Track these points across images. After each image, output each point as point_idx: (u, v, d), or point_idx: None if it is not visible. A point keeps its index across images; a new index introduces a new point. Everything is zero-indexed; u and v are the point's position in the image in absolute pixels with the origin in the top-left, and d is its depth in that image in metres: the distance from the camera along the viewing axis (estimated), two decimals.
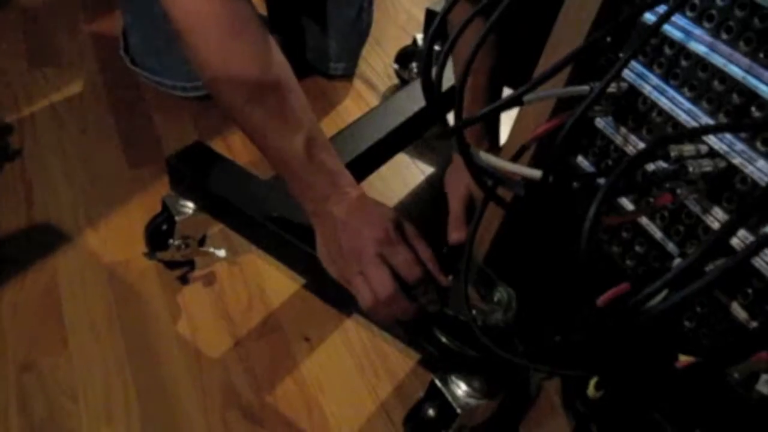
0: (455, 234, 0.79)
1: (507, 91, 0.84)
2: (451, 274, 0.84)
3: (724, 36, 0.45)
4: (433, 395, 0.70)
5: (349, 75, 1.40)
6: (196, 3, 0.62)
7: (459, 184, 0.81)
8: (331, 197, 0.68)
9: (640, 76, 0.51)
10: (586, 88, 0.49)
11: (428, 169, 1.18)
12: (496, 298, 0.69)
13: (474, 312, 0.65)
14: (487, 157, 0.47)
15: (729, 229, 0.31)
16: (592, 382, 0.40)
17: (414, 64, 1.34)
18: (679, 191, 0.46)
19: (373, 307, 0.67)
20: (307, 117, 0.69)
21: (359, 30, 1.37)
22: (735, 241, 0.45)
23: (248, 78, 0.64)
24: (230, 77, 0.64)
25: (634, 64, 0.51)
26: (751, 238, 0.41)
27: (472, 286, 0.69)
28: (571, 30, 0.54)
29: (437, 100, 0.50)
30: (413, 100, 1.04)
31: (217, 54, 0.64)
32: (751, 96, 0.44)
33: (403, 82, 1.37)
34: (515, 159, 0.55)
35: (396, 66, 1.37)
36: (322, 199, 0.68)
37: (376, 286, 0.65)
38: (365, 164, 0.99)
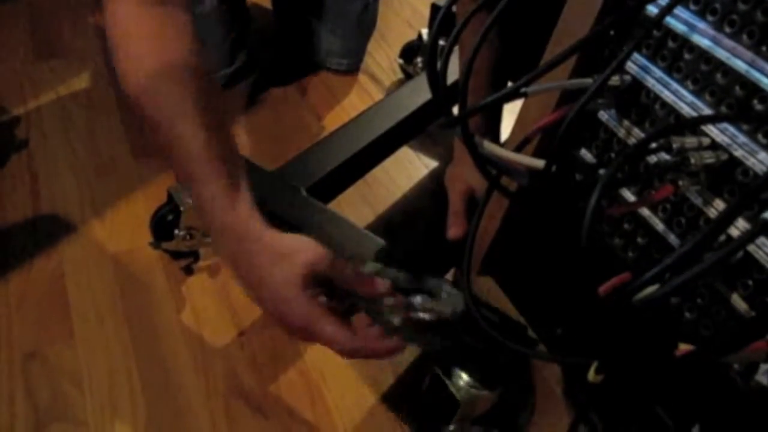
0: (454, 229, 0.79)
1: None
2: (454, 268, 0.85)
3: (728, 29, 0.45)
4: (435, 386, 0.70)
5: (354, 70, 1.40)
6: (128, 14, 0.60)
7: (460, 180, 0.82)
8: (227, 229, 0.59)
9: (643, 68, 0.51)
10: (589, 80, 0.49)
11: (432, 163, 1.19)
12: (443, 295, 0.67)
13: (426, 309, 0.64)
14: (490, 147, 0.48)
15: (727, 217, 0.32)
16: (593, 366, 0.41)
17: (419, 59, 1.35)
18: (680, 183, 0.46)
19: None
20: (216, 119, 0.61)
21: (364, 25, 1.37)
22: (736, 233, 0.45)
23: (157, 77, 0.59)
24: (141, 83, 0.59)
25: (637, 56, 0.51)
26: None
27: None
28: (575, 22, 0.54)
29: (442, 92, 0.50)
30: (417, 94, 1.05)
31: (133, 61, 0.59)
32: (753, 89, 0.44)
33: (408, 77, 1.37)
34: (519, 150, 0.56)
35: (401, 61, 1.37)
36: (220, 227, 0.60)
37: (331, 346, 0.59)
38: (369, 158, 0.99)
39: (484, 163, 0.50)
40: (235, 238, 0.59)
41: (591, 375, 0.41)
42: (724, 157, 0.45)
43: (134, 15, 0.59)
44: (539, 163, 0.46)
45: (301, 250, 0.59)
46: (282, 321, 0.58)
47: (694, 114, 0.48)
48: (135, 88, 0.59)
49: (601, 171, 0.45)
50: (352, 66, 1.39)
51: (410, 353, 0.88)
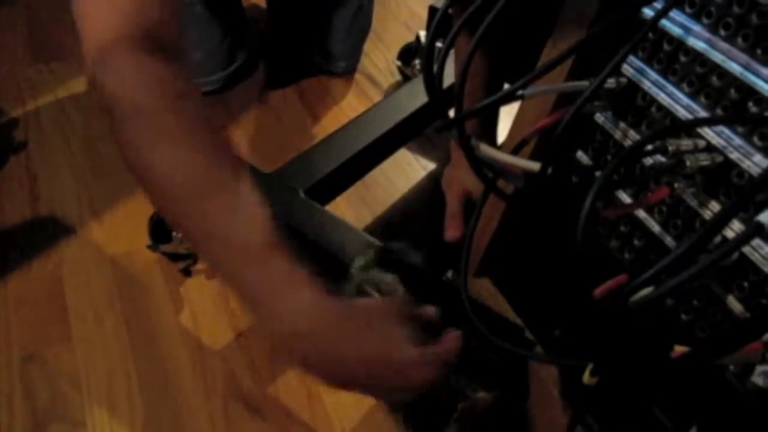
0: (451, 231, 0.79)
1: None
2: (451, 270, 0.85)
3: (723, 32, 0.45)
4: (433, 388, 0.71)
5: (350, 72, 1.40)
6: (128, 83, 0.50)
7: (457, 182, 0.82)
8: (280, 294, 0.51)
9: (639, 71, 0.51)
10: (585, 83, 0.50)
11: (430, 165, 1.19)
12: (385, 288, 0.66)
13: None
14: (486, 149, 0.48)
15: (721, 219, 0.32)
16: (588, 368, 0.41)
17: (416, 61, 1.35)
18: (676, 185, 0.46)
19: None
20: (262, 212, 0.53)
21: (359, 27, 1.37)
22: (732, 235, 0.45)
23: (192, 175, 0.50)
24: (168, 175, 0.50)
25: (633, 59, 0.51)
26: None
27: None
28: (572, 25, 0.55)
29: (439, 95, 0.51)
30: (415, 96, 1.05)
31: (148, 142, 0.50)
32: (748, 91, 0.44)
33: (406, 79, 1.37)
34: (515, 152, 0.56)
35: (398, 63, 1.37)
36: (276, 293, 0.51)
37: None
38: (368, 160, 0.99)
39: (480, 165, 0.51)
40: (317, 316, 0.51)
41: (586, 377, 0.41)
42: (720, 159, 0.46)
43: (131, 67, 0.51)
44: (535, 166, 0.46)
45: (378, 310, 0.55)
46: (390, 362, 0.52)
47: (690, 116, 0.48)
48: (146, 156, 0.50)
49: (598, 173, 0.45)
50: (349, 68, 1.39)
51: None
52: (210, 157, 0.51)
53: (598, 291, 0.38)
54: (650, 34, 0.50)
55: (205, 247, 0.52)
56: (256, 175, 0.87)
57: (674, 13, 0.48)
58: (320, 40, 1.34)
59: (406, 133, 1.05)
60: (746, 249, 0.45)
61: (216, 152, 0.52)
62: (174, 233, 0.91)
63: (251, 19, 1.38)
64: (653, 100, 0.51)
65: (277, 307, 0.50)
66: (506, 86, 0.47)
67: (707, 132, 0.46)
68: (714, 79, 0.46)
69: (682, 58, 0.48)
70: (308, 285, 0.51)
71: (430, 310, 0.58)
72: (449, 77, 0.94)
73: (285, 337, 0.51)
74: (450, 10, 0.78)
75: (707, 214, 0.48)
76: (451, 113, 0.51)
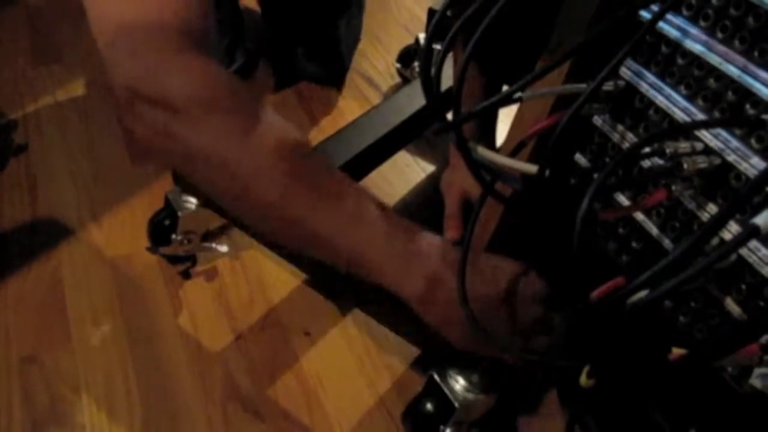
0: (450, 233, 0.79)
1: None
2: None
3: (720, 35, 0.46)
4: (432, 390, 0.71)
5: (335, 83, 1.37)
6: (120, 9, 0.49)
7: (455, 185, 0.82)
8: (376, 238, 0.52)
9: (636, 74, 0.51)
10: (583, 85, 0.50)
11: (429, 167, 1.19)
12: None
13: None
14: (484, 152, 0.48)
15: (718, 221, 0.32)
16: (584, 370, 0.41)
17: (416, 63, 1.35)
18: (674, 187, 0.46)
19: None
20: (293, 131, 0.53)
21: (349, 37, 1.35)
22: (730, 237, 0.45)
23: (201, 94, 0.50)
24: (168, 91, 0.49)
25: (631, 62, 0.51)
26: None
27: None
28: (570, 28, 0.55)
29: (436, 98, 0.51)
30: (414, 98, 1.05)
31: (140, 68, 0.49)
32: (745, 94, 0.44)
33: (405, 81, 1.38)
34: (513, 155, 0.56)
35: (398, 65, 1.37)
36: (366, 245, 0.52)
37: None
38: (367, 162, 0.99)
39: (478, 168, 0.51)
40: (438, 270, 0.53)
41: (583, 379, 0.41)
42: (717, 161, 0.46)
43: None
44: (532, 168, 0.46)
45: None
46: (527, 290, 0.56)
47: (688, 119, 0.48)
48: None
49: (596, 175, 0.45)
50: (333, 78, 1.35)
51: (406, 357, 0.88)
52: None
53: (595, 293, 0.38)
54: (648, 37, 0.50)
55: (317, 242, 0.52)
56: None
57: (672, 16, 0.48)
58: (308, 52, 1.33)
59: (405, 135, 1.05)
60: (744, 251, 0.45)
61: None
62: (173, 235, 0.91)
63: (250, 21, 1.38)
64: (651, 103, 0.51)
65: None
66: (505, 89, 0.47)
67: (705, 134, 0.46)
68: (711, 82, 0.46)
69: (680, 61, 0.48)
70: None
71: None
72: (450, 79, 0.94)
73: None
74: (449, 12, 0.78)
75: (705, 217, 0.48)
76: (450, 115, 0.51)
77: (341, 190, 0.53)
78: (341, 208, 0.52)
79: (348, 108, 1.32)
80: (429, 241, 0.55)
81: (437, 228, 0.82)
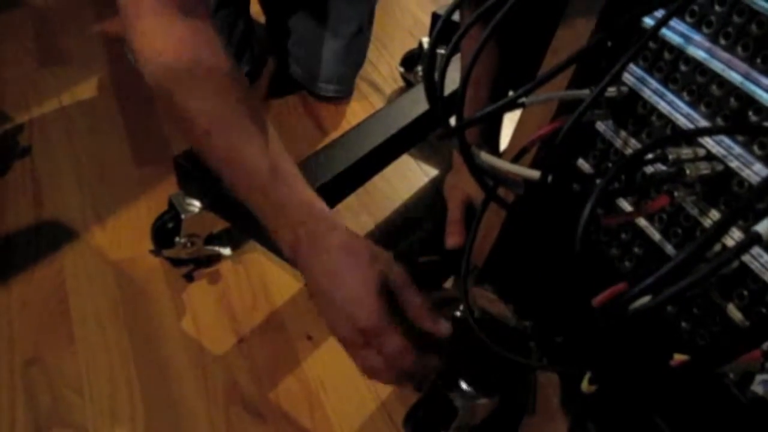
0: (452, 238, 0.79)
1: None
2: (453, 278, 0.85)
3: (723, 42, 0.46)
4: (434, 393, 0.71)
5: (341, 97, 1.35)
6: (156, 35, 0.60)
7: (458, 190, 0.82)
8: (303, 241, 0.59)
9: (640, 80, 0.51)
10: (586, 91, 0.50)
11: (432, 172, 1.19)
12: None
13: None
14: (487, 158, 0.48)
15: (720, 228, 0.32)
16: (586, 376, 0.41)
17: (419, 68, 1.35)
18: (676, 193, 0.46)
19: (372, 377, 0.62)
20: (274, 145, 0.62)
21: (354, 51, 1.33)
22: (732, 243, 0.45)
23: (210, 108, 0.60)
24: (189, 107, 0.60)
25: (634, 68, 0.52)
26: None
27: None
28: (572, 34, 0.55)
29: (440, 102, 0.51)
30: (417, 102, 1.05)
31: (177, 85, 0.60)
32: (748, 101, 0.44)
33: (409, 85, 1.38)
34: (516, 161, 0.56)
35: (401, 69, 1.38)
36: (295, 241, 0.60)
37: (374, 368, 0.60)
38: (370, 166, 1.00)
39: (481, 173, 0.51)
40: (312, 236, 0.59)
41: (584, 385, 0.41)
42: (720, 168, 0.46)
43: (161, 31, 0.60)
44: (535, 174, 0.46)
45: (380, 257, 0.59)
46: (350, 321, 0.57)
47: (690, 125, 0.48)
48: (181, 104, 0.60)
49: (598, 181, 0.45)
50: (340, 93, 1.34)
51: None
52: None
53: (597, 299, 0.38)
54: (651, 43, 0.50)
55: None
56: None
57: (675, 23, 0.48)
58: (307, 67, 1.31)
59: (409, 139, 1.05)
60: (746, 257, 0.45)
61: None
62: (177, 238, 0.91)
63: (257, 26, 1.39)
64: (654, 109, 0.51)
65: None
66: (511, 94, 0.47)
67: (707, 141, 0.46)
68: (714, 88, 0.47)
69: (683, 67, 0.48)
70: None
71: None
72: (454, 83, 0.94)
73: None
74: (458, 17, 0.78)
75: (707, 223, 0.48)
76: (453, 120, 0.51)
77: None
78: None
79: (352, 112, 1.33)
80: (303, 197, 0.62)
81: (440, 233, 0.81)
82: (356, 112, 1.33)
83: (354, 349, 0.60)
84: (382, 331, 0.57)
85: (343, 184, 0.95)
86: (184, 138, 0.66)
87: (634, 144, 0.54)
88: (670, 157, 0.45)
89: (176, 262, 0.96)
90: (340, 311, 0.58)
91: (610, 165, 0.57)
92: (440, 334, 0.60)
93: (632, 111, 0.53)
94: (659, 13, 0.47)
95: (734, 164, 0.45)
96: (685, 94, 0.49)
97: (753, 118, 0.44)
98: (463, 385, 0.69)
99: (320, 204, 0.62)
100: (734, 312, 0.46)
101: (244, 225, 0.92)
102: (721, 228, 0.33)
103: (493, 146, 0.85)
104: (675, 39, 0.49)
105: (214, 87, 0.60)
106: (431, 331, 0.60)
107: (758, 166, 0.44)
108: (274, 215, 0.60)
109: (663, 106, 0.50)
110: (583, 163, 0.59)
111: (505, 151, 0.69)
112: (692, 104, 0.48)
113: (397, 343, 0.57)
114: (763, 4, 0.42)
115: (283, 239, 0.61)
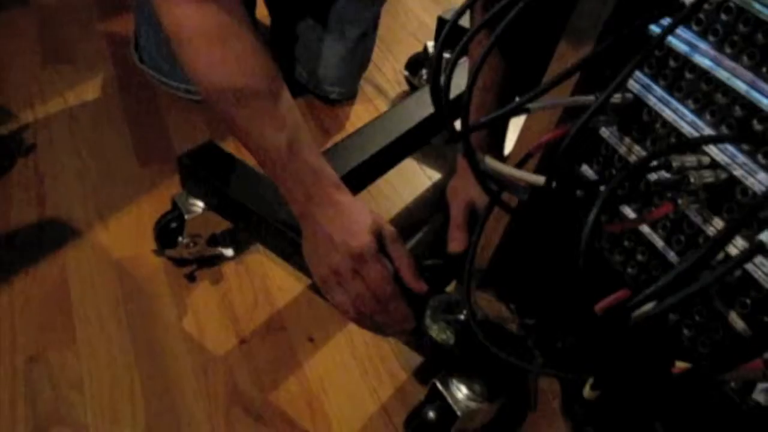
0: (455, 243, 0.80)
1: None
2: (456, 280, 0.85)
3: (728, 50, 0.46)
4: (434, 398, 0.71)
5: (345, 99, 1.35)
6: (187, 15, 0.64)
7: (461, 194, 0.82)
8: (314, 198, 0.68)
9: (645, 87, 0.52)
10: (591, 98, 0.50)
11: (435, 175, 1.19)
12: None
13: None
14: (492, 163, 0.48)
15: (724, 237, 0.32)
16: (588, 382, 0.41)
17: (424, 71, 1.36)
18: (680, 201, 0.46)
19: (353, 319, 0.71)
20: (291, 118, 0.70)
21: (356, 60, 1.32)
22: (735, 252, 0.45)
23: (233, 84, 0.66)
24: (215, 84, 0.66)
25: (639, 75, 0.52)
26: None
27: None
28: (578, 41, 0.55)
29: (445, 106, 0.51)
30: (422, 106, 1.05)
31: (204, 63, 0.66)
32: (753, 109, 0.45)
33: (413, 89, 1.38)
34: (521, 166, 0.56)
35: (406, 73, 1.38)
36: (306, 199, 0.68)
37: (354, 301, 0.69)
38: (373, 169, 1.00)
39: (485, 178, 0.51)
40: (321, 192, 0.68)
41: (587, 391, 0.41)
42: (724, 176, 0.46)
43: (196, 18, 0.64)
44: (539, 179, 0.46)
45: (377, 216, 0.70)
46: (343, 247, 0.66)
47: (695, 133, 0.48)
48: (212, 91, 0.67)
49: (602, 187, 0.45)
50: (344, 95, 1.34)
51: (409, 365, 0.88)
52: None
53: (600, 306, 0.38)
54: (657, 51, 0.50)
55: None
56: (264, 182, 0.88)
57: (681, 31, 0.48)
58: (312, 70, 1.31)
59: (413, 142, 1.06)
60: (749, 266, 0.45)
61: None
62: (180, 238, 0.91)
63: (262, 29, 1.39)
64: (658, 116, 0.51)
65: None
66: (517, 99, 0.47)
67: (712, 149, 0.46)
68: (719, 97, 0.47)
69: (688, 75, 0.49)
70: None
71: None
72: (459, 88, 0.94)
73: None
74: (462, 21, 0.79)
75: (711, 231, 0.48)
76: (458, 124, 0.51)
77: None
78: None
79: (356, 115, 1.33)
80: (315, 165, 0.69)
81: (443, 237, 0.82)
82: (360, 115, 1.33)
83: (338, 279, 0.68)
84: (371, 258, 0.66)
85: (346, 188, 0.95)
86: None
87: (638, 151, 0.54)
88: (674, 164, 0.45)
89: (179, 262, 0.97)
90: (335, 242, 0.67)
91: (614, 171, 0.57)
92: (417, 290, 0.69)
93: (637, 118, 0.53)
94: (665, 21, 0.47)
95: (738, 172, 0.45)
96: (690, 101, 0.49)
97: (758, 126, 0.44)
98: (464, 390, 0.69)
99: (329, 170, 0.71)
100: (736, 320, 0.46)
101: (246, 226, 0.92)
102: (726, 237, 0.33)
103: (497, 151, 0.85)
104: (681, 47, 0.49)
105: (236, 56, 0.66)
106: (410, 285, 0.69)
107: (762, 175, 0.44)
108: (292, 181, 0.69)
109: (668, 114, 0.50)
110: (587, 169, 0.59)
111: (510, 156, 0.69)
112: (697, 112, 0.49)
113: (381, 270, 0.67)
114: None
115: (296, 198, 0.69)
